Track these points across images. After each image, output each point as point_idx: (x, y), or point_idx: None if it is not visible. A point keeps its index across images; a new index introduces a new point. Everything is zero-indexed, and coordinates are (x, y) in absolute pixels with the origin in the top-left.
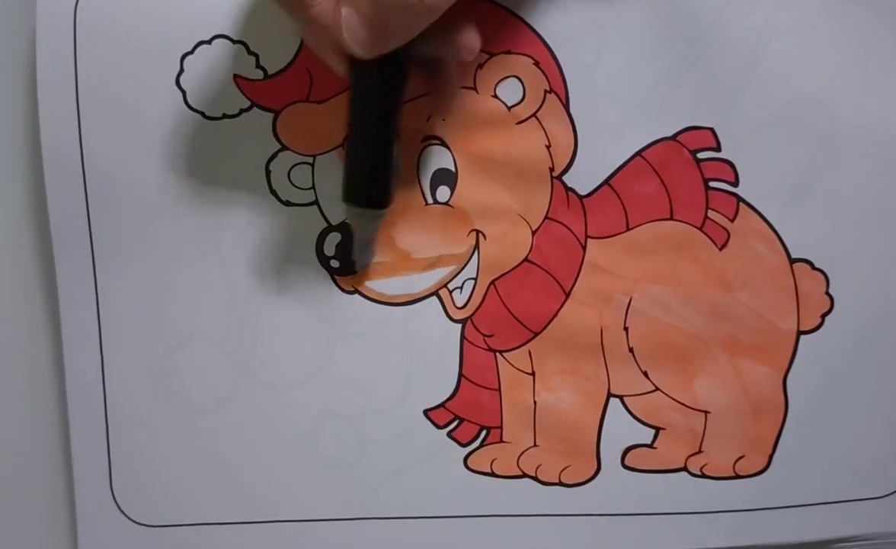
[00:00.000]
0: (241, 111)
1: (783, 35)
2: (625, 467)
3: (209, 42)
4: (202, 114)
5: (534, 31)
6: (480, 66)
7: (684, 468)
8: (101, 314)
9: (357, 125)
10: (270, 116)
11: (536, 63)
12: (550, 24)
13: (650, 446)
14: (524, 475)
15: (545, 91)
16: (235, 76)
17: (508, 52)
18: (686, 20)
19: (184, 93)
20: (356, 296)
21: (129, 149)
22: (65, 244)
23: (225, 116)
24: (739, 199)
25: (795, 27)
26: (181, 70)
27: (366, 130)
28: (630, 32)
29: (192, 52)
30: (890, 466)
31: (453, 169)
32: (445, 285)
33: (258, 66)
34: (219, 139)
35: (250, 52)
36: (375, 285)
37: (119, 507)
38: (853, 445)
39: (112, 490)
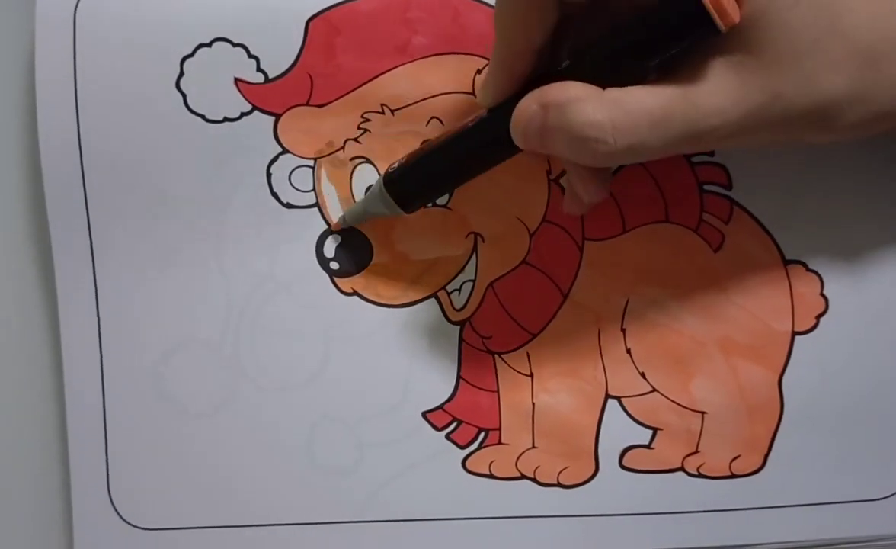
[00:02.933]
0: (242, 115)
1: None
2: (623, 467)
3: (209, 45)
4: (203, 117)
5: None
6: (479, 71)
7: (681, 468)
8: (100, 317)
9: (459, 149)
10: (271, 119)
11: None
12: None
13: (648, 446)
14: (523, 477)
15: None
16: (236, 80)
17: None
18: None
19: (184, 96)
20: (355, 298)
21: (128, 152)
22: (64, 247)
23: (226, 119)
24: (733, 202)
25: None
26: (181, 73)
27: (461, 160)
28: None
29: (192, 54)
30: (888, 468)
31: None
32: (444, 287)
33: (259, 69)
34: (219, 142)
35: (251, 56)
36: (374, 286)
37: (116, 510)
38: (850, 446)
39: (109, 493)
